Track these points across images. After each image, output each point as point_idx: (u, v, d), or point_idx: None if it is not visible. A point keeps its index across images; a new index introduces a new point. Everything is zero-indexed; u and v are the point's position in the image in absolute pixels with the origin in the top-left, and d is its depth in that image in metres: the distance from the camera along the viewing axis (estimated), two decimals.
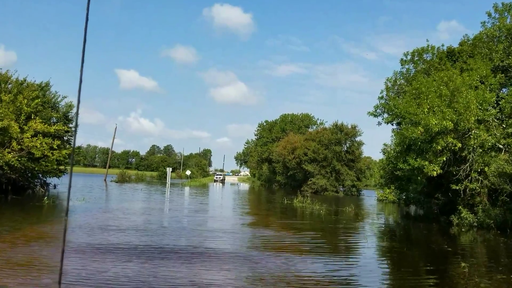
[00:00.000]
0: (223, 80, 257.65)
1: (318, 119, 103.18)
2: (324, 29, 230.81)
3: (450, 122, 20.11)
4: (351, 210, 30.43)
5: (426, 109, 21.36)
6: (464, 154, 21.71)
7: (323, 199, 41.08)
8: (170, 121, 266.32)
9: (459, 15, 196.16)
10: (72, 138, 36.00)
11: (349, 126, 65.19)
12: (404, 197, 46.89)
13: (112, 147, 77.29)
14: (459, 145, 20.40)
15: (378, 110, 30.41)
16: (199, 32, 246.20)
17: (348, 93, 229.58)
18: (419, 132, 20.92)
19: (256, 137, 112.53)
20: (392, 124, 31.46)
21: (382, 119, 30.71)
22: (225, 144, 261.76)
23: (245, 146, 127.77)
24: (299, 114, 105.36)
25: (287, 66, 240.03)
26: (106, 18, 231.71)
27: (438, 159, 20.81)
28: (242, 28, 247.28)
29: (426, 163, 20.90)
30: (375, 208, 39.50)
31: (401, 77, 29.23)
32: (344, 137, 65.02)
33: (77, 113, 1.92)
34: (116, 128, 70.65)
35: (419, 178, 22.72)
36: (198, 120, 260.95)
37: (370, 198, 58.14)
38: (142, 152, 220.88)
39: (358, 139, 65.73)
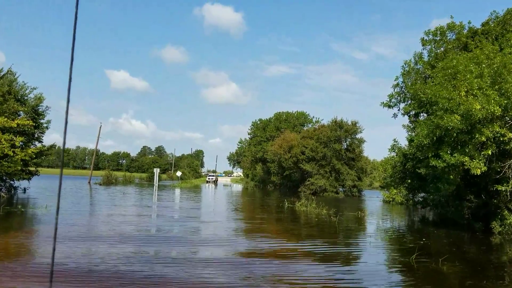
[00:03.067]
0: (215, 80, 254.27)
1: (313, 117, 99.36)
2: (315, 28, 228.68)
3: (498, 107, 16.17)
4: (363, 214, 26.49)
5: (464, 92, 17.40)
6: (508, 147, 17.77)
7: (325, 201, 36.67)
8: (162, 122, 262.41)
9: (451, 13, 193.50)
10: (43, 135, 31.74)
11: (349, 123, 61.29)
12: (420, 199, 43.11)
13: (96, 147, 72.83)
14: (510, 135, 16.45)
15: (393, 100, 26.44)
16: (189, 31, 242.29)
17: (339, 94, 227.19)
18: (456, 120, 16.95)
19: (249, 136, 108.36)
20: (409, 115, 27.55)
21: (398, 110, 26.78)
22: (218, 145, 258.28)
23: (238, 146, 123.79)
24: (294, 112, 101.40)
25: (278, 66, 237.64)
26: (95, 18, 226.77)
27: (482, 153, 16.84)
28: (233, 27, 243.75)
29: (466, 158, 16.93)
30: (384, 211, 35.48)
31: (420, 61, 25.22)
32: (344, 134, 61.08)
33: (67, 112, 1.69)
34: (100, 127, 66.13)
35: (451, 176, 18.72)
36: (190, 121, 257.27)
37: (373, 199, 54.32)
38: (134, 154, 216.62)
39: (358, 136, 61.90)
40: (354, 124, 60.84)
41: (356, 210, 31.18)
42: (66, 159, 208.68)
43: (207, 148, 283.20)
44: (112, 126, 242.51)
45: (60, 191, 1.61)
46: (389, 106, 26.49)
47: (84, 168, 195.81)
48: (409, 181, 34.20)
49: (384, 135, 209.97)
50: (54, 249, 1.58)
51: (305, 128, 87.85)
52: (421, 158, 20.15)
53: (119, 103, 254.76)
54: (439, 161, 17.96)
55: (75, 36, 1.51)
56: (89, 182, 63.64)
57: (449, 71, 18.35)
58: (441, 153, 18.00)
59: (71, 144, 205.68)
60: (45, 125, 31.52)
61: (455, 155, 17.28)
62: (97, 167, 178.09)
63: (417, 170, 23.07)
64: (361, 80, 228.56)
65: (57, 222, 1.64)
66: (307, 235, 17.45)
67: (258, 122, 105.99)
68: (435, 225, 24.80)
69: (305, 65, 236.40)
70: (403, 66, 25.58)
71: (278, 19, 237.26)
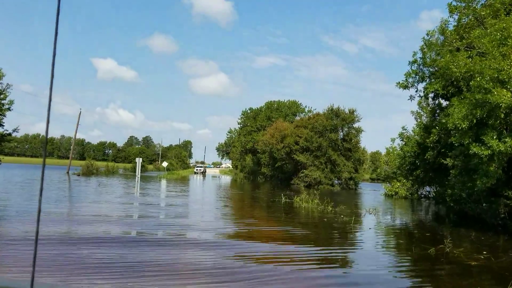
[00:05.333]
0: (204, 70, 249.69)
1: (306, 106, 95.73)
2: (303, 19, 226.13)
3: None
4: (375, 212, 22.84)
5: None
6: None
7: (321, 195, 32.21)
8: (150, 112, 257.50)
9: (439, 5, 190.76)
10: (4, 117, 27.58)
11: (346, 111, 57.64)
12: (424, 192, 39.82)
13: (75, 134, 68.51)
14: None
15: (410, 79, 22.74)
16: (177, 20, 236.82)
17: (328, 85, 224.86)
18: (507, 97, 13.31)
19: (239, 125, 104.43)
20: (427, 98, 23.99)
21: (416, 91, 23.14)
22: (206, 136, 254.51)
23: (228, 136, 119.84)
24: (285, 101, 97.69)
25: (267, 57, 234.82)
26: (80, 5, 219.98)
27: None
28: (222, 16, 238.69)
29: None
30: (391, 206, 31.82)
31: (447, 30, 21.38)
32: (340, 123, 57.42)
33: (49, 100, 1.46)
34: (80, 114, 61.80)
35: (491, 168, 15.13)
36: (178, 111, 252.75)
37: (372, 193, 50.89)
38: (121, 144, 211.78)
39: (356, 125, 58.25)
40: (352, 112, 57.23)
41: (361, 205, 27.71)
42: (50, 149, 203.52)
43: (195, 139, 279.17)
44: (99, 116, 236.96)
45: (42, 182, 1.41)
46: (405, 87, 22.81)
47: (69, 158, 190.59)
48: (418, 172, 30.80)
49: (373, 127, 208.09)
50: (36, 242, 1.45)
51: (297, 118, 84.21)
52: (456, 145, 16.51)
53: (107, 92, 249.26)
54: (482, 148, 14.34)
55: (58, 24, 1.38)
56: (68, 172, 59.34)
57: (498, 35, 14.67)
58: (484, 138, 14.37)
59: (56, 133, 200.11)
60: (6, 106, 27.29)
61: (506, 140, 13.67)
62: (82, 157, 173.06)
63: (442, 160, 19.50)
64: (349, 72, 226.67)
65: (39, 211, 1.42)
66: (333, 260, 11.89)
67: (249, 111, 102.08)
68: (457, 225, 21.28)
69: (294, 57, 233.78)
70: (423, 38, 21.85)
71: (267, 9, 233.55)
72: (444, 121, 16.29)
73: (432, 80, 21.29)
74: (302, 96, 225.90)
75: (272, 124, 72.66)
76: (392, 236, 16.43)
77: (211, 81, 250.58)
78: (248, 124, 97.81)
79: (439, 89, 20.00)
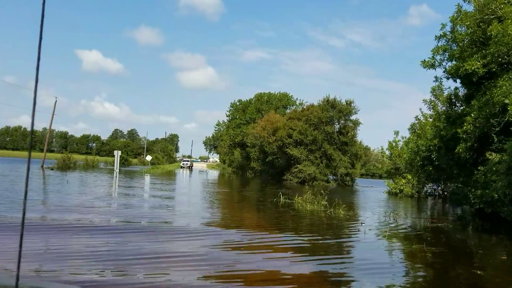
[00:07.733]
0: (191, 63, 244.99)
1: (297, 99, 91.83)
2: (291, 14, 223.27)
3: None
4: (396, 216, 19.03)
5: None
6: None
7: (319, 192, 27.13)
8: (136, 105, 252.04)
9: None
10: None
11: (343, 102, 53.93)
12: (430, 189, 36.42)
13: (51, 124, 63.93)
14: None
15: (437, 57, 18.94)
16: (164, 11, 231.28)
17: (315, 80, 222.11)
18: None
19: (228, 118, 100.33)
20: (455, 80, 20.26)
21: (444, 71, 19.35)
22: (193, 130, 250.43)
23: (216, 129, 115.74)
24: (276, 93, 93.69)
25: (254, 51, 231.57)
26: None
27: None
28: (210, 8, 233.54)
29: None
30: (402, 206, 28.08)
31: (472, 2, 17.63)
32: (337, 115, 53.69)
33: (35, 93, 1.47)
34: (56, 102, 57.23)
35: None
36: (165, 104, 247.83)
37: (371, 190, 47.37)
38: (106, 137, 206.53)
39: (353, 117, 54.59)
40: (349, 103, 53.53)
41: (372, 207, 24.03)
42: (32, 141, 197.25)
43: (182, 132, 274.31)
44: (84, 109, 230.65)
45: (26, 187, 1.42)
46: (432, 66, 18.98)
47: (52, 151, 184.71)
48: (430, 169, 27.29)
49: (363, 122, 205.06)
50: (21, 235, 1.47)
51: (288, 111, 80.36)
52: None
53: (92, 84, 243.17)
54: None
55: (43, 16, 1.42)
56: (42, 166, 54.66)
57: None
58: None
59: (38, 126, 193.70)
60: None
61: None
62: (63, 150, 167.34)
63: (488, 155, 15.82)
64: (336, 67, 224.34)
65: (25, 208, 1.44)
66: None
67: (238, 104, 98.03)
68: (495, 232, 17.72)
69: (281, 51, 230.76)
70: (458, 4, 17.97)
71: (255, 1, 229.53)
72: (504, 99, 12.49)
73: (456, 60, 17.49)
74: (289, 90, 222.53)
75: (263, 117, 68.74)
76: (458, 262, 10.51)
77: (199, 75, 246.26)
78: (237, 117, 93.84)
79: (480, 67, 16.23)
